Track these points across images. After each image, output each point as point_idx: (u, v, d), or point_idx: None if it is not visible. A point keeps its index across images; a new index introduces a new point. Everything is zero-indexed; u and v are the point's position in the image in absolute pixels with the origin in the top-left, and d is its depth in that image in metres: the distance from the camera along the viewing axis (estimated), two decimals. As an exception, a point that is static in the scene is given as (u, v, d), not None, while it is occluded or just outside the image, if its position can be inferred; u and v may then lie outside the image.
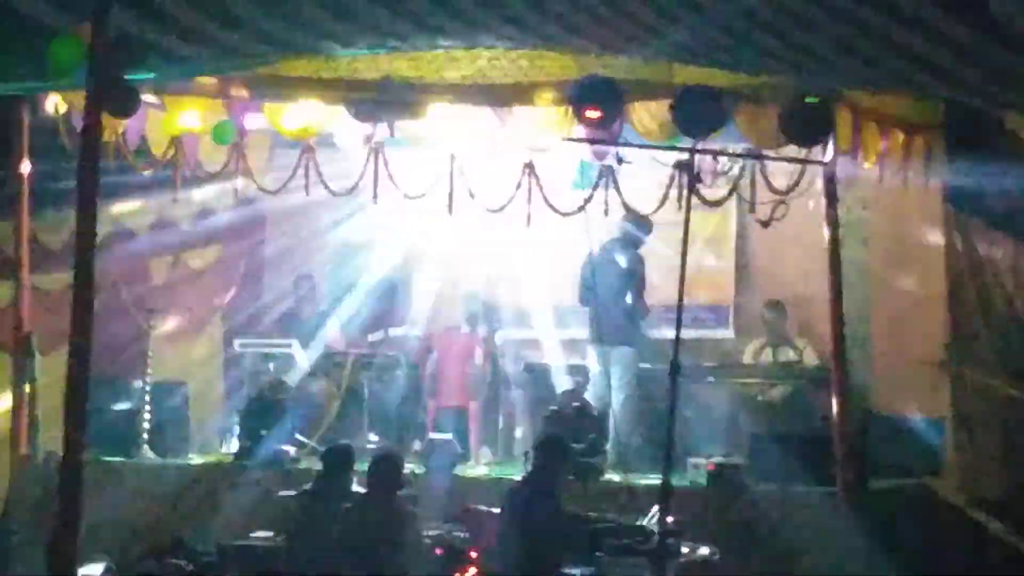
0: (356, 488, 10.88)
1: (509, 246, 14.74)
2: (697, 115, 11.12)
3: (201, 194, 14.44)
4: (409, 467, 11.77)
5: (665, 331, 13.02)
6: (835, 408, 11.76)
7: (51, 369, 12.43)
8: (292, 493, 11.43)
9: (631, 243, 13.76)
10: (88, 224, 8.09)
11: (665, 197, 12.07)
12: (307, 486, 11.19)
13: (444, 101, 12.14)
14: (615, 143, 12.00)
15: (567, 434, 11.91)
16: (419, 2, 8.64)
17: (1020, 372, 12.96)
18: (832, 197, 11.74)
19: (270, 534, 11.31)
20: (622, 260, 13.73)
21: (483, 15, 8.85)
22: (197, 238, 15.05)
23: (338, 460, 11.02)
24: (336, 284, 15.36)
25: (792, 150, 11.76)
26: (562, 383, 13.95)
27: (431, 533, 10.78)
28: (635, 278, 13.69)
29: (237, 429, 13.74)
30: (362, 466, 10.96)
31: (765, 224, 12.12)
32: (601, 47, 10.16)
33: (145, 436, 13.21)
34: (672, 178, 11.81)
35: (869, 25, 8.13)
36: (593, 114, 11.37)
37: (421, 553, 10.39)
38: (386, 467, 10.62)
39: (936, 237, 13.33)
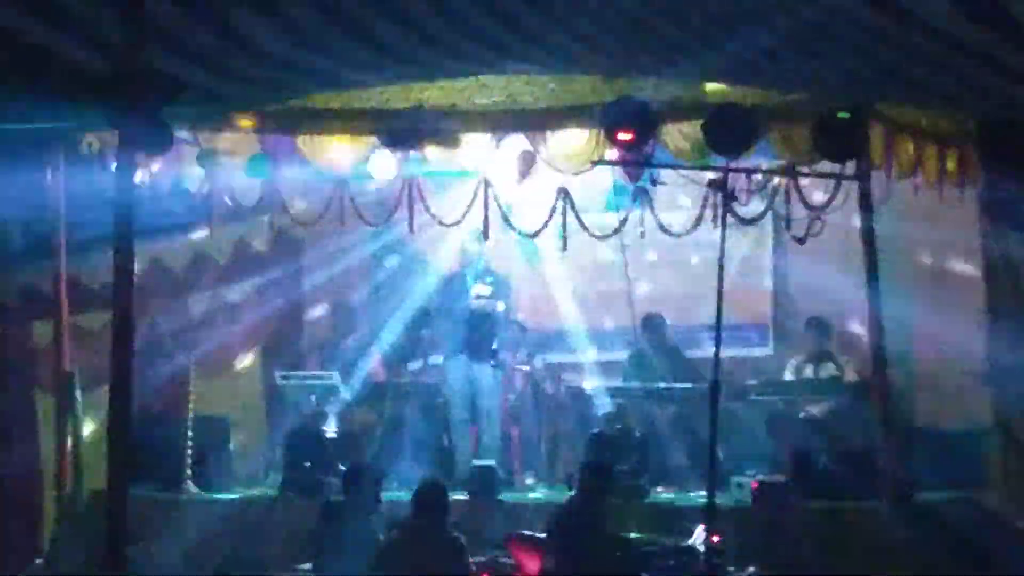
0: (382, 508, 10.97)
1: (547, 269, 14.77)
2: (729, 134, 11.08)
3: (237, 228, 14.53)
4: (453, 495, 11.76)
5: (705, 350, 13.01)
6: (878, 423, 11.70)
7: (93, 407, 12.51)
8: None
9: None
10: (125, 262, 8.10)
11: (700, 216, 12.08)
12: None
13: (476, 128, 12.18)
14: (648, 164, 11.99)
15: (610, 456, 11.90)
16: (447, 30, 8.66)
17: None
18: (867, 211, 11.69)
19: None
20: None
21: (511, 40, 8.86)
22: (235, 272, 15.10)
23: (356, 479, 11.08)
24: (375, 314, 15.37)
25: (826, 166, 11.72)
26: (603, 405, 13.91)
27: (478, 559, 10.76)
28: None
29: (280, 462, 13.76)
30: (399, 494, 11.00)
31: (801, 240, 12.10)
32: (631, 68, 10.17)
33: (188, 471, 13.21)
34: (707, 197, 11.81)
35: (898, 39, 8.12)
36: (625, 136, 11.35)
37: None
38: (432, 495, 10.59)
39: (974, 249, 13.26)
